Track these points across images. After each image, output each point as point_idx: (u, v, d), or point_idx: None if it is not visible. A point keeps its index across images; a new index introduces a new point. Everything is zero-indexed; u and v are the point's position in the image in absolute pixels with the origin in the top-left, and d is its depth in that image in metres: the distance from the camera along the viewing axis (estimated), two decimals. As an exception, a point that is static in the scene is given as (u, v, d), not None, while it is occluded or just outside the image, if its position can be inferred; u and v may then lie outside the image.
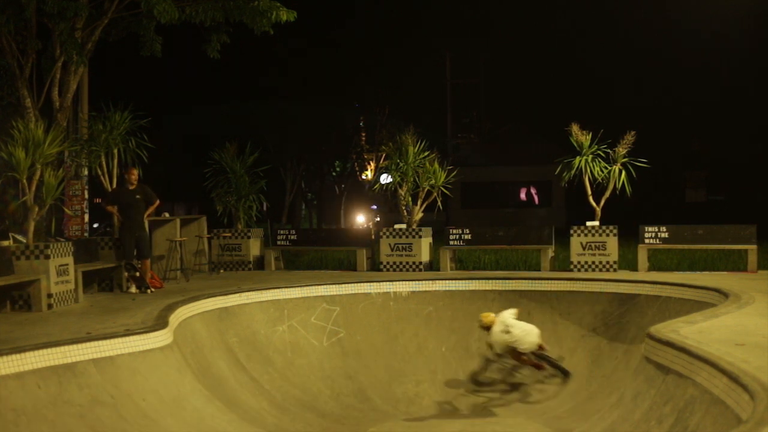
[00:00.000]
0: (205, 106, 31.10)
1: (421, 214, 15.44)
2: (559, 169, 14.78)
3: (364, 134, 36.33)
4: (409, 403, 11.04)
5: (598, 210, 14.37)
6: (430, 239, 15.44)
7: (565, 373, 10.56)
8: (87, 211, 16.09)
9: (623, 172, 14.26)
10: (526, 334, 10.13)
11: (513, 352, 10.22)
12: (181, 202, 36.58)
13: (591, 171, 14.28)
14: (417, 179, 15.31)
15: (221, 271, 15.55)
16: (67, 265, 10.93)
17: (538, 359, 10.45)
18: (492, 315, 10.42)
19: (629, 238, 15.59)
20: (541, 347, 10.33)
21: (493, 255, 16.22)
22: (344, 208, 34.71)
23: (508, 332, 10.05)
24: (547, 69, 38.98)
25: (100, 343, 8.04)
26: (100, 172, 13.56)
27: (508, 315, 10.33)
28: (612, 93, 35.16)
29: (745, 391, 5.66)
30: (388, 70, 33.18)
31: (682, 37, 34.21)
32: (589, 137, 14.39)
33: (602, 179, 14.31)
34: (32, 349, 7.37)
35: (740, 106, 33.87)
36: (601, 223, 14.19)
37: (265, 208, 20.76)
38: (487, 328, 10.32)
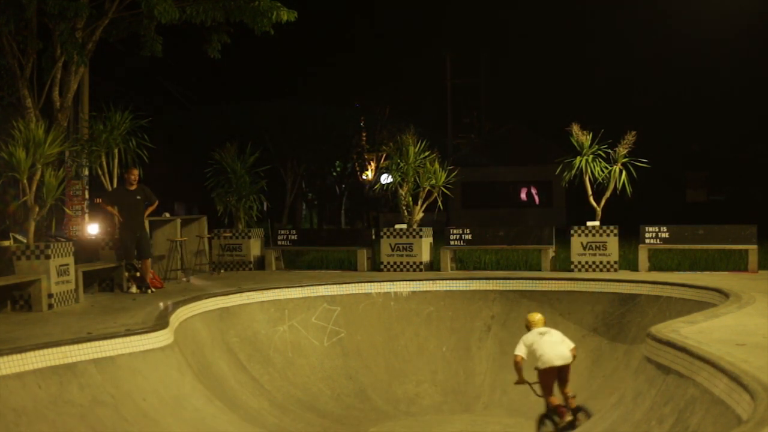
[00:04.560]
0: (205, 106, 31.11)
1: (421, 214, 15.45)
2: (559, 169, 14.79)
3: (364, 134, 36.31)
4: (409, 403, 11.05)
5: (599, 210, 14.37)
6: (430, 239, 15.45)
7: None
8: (87, 211, 16.08)
9: (624, 172, 14.26)
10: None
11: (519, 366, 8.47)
12: (181, 202, 36.56)
13: (591, 171, 14.28)
14: (417, 179, 15.31)
15: (222, 271, 15.55)
16: (67, 265, 10.93)
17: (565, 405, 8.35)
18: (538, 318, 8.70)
19: (630, 238, 15.59)
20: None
21: (493, 255, 16.22)
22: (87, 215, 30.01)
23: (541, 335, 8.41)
24: (547, 69, 38.96)
25: (101, 343, 8.04)
26: (100, 172, 13.57)
27: (558, 332, 8.60)
28: (613, 93, 35.13)
29: (746, 391, 5.66)
30: (388, 70, 33.18)
31: (682, 37, 34.19)
32: (589, 137, 14.39)
33: (603, 179, 14.31)
34: (33, 349, 7.37)
35: (740, 106, 33.85)
36: (602, 223, 14.19)
37: (265, 208, 20.73)
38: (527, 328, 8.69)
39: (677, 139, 36.02)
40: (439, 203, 15.62)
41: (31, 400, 6.98)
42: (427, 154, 15.34)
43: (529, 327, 8.58)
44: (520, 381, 8.39)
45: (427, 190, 15.32)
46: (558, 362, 8.06)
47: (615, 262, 13.97)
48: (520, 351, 8.24)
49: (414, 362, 11.70)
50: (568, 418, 8.21)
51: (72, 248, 11.19)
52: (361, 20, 33.53)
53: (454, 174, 15.49)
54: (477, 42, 39.41)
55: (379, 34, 32.96)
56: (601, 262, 13.97)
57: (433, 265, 15.20)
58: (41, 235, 11.83)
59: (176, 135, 30.22)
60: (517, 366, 8.27)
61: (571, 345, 8.29)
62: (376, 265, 15.44)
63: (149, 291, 12.30)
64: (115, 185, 13.48)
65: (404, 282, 12.84)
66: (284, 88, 31.39)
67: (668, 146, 33.98)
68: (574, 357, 8.21)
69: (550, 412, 8.24)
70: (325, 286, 12.41)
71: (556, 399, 8.24)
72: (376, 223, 32.61)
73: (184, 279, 13.91)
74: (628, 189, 14.22)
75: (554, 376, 8.11)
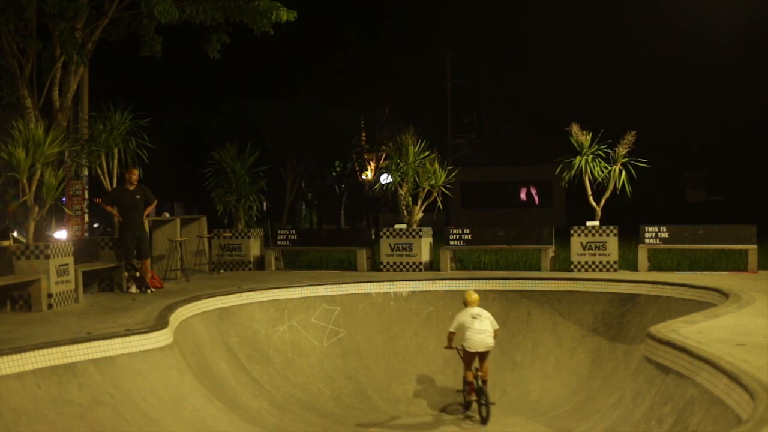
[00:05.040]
0: (206, 106, 31.11)
1: (421, 214, 15.44)
2: (559, 169, 14.79)
3: (364, 134, 36.31)
4: (409, 403, 11.04)
5: (599, 210, 14.37)
6: (430, 239, 15.44)
7: (483, 420, 9.71)
8: (87, 211, 16.09)
9: (623, 172, 14.26)
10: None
11: (451, 340, 9.88)
12: (181, 202, 36.57)
13: (591, 171, 14.28)
14: (417, 179, 15.31)
15: (221, 271, 15.55)
16: (67, 265, 10.92)
17: (474, 381, 9.79)
18: (475, 297, 10.01)
19: (629, 238, 15.59)
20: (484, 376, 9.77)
21: (493, 255, 16.22)
22: None
23: (473, 318, 9.66)
24: (547, 68, 38.99)
25: (100, 343, 8.04)
26: (100, 172, 13.57)
27: (488, 315, 9.87)
28: (612, 93, 35.15)
29: (746, 391, 5.67)
30: (388, 70, 33.19)
31: (682, 37, 34.22)
32: (589, 137, 14.39)
33: (602, 179, 14.31)
34: (32, 349, 7.37)
35: (740, 107, 33.86)
36: (602, 223, 14.19)
37: (265, 208, 20.72)
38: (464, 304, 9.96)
39: (677, 139, 36.03)
40: (439, 203, 15.62)
41: (31, 400, 6.97)
42: (426, 154, 15.33)
43: (465, 303, 9.96)
44: (449, 347, 10.03)
45: (426, 190, 15.32)
46: (481, 349, 9.66)
47: (615, 262, 13.97)
48: (453, 328, 9.84)
49: (414, 362, 11.70)
50: (472, 397, 9.87)
51: (72, 248, 11.19)
52: (361, 20, 33.51)
53: (453, 174, 15.49)
54: (477, 42, 39.44)
55: (380, 34, 32.96)
56: (600, 262, 13.97)
57: (433, 265, 15.20)
58: (41, 235, 11.83)
59: (176, 135, 30.25)
60: (450, 339, 9.92)
61: (496, 327, 9.84)
62: (375, 265, 15.44)
63: (149, 291, 12.30)
64: (114, 185, 13.47)
65: (404, 282, 12.83)
66: (284, 88, 31.38)
67: (668, 146, 33.98)
68: (496, 336, 9.76)
69: (465, 384, 10.03)
70: (325, 286, 12.41)
71: (471, 375, 9.84)
72: (375, 223, 32.61)
73: (184, 279, 13.90)
74: (628, 189, 14.22)
75: (475, 357, 9.72)
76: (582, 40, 37.59)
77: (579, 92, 35.66)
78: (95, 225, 23.59)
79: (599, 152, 14.37)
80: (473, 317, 9.71)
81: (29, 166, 10.80)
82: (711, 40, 32.96)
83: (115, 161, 13.62)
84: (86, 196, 15.97)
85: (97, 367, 7.78)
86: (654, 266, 14.28)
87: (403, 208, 15.42)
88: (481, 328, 9.61)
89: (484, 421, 9.66)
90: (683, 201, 37.09)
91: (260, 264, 16.08)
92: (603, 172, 14.28)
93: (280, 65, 30.89)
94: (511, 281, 12.71)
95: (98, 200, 15.63)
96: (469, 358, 9.74)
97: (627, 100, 34.77)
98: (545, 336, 11.62)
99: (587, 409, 9.66)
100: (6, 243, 11.81)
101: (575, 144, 14.46)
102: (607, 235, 14.06)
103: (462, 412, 10.22)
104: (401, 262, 14.89)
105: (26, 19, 13.32)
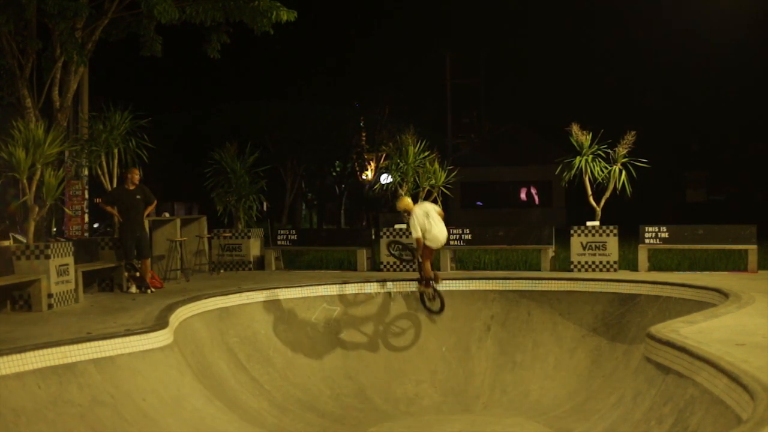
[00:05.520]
0: (206, 106, 31.12)
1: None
2: (559, 169, 14.80)
3: (364, 134, 36.32)
4: (409, 403, 11.04)
5: (599, 210, 14.38)
6: (430, 239, 15.42)
7: (435, 309, 11.74)
8: (87, 211, 16.09)
9: (623, 172, 14.26)
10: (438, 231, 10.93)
11: (421, 245, 11.00)
12: (181, 202, 36.55)
13: (591, 171, 14.29)
14: (417, 179, 15.30)
15: (221, 271, 15.55)
16: (67, 265, 10.93)
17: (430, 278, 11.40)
18: (409, 199, 11.51)
19: (629, 238, 15.60)
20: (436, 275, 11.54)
21: (493, 255, 16.22)
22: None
23: (426, 218, 10.86)
24: (547, 69, 38.96)
25: (100, 343, 8.04)
26: (100, 172, 13.57)
27: (431, 206, 11.17)
28: (612, 93, 35.12)
29: (745, 391, 5.67)
30: (388, 70, 33.20)
31: (682, 36, 34.18)
32: (589, 137, 14.40)
33: (602, 179, 14.32)
34: (32, 349, 7.37)
35: (740, 106, 33.83)
36: (602, 223, 14.19)
37: (265, 208, 20.73)
38: (408, 212, 11.17)
39: (677, 139, 36.00)
40: (439, 203, 15.60)
41: (31, 400, 6.98)
42: (426, 154, 15.33)
43: (408, 210, 11.04)
44: (417, 255, 11.18)
45: (426, 190, 15.32)
46: (444, 243, 11.03)
47: (615, 262, 13.97)
48: (419, 233, 10.78)
49: (413, 362, 11.70)
50: (430, 289, 11.49)
51: (72, 248, 11.19)
52: (361, 20, 33.54)
53: (453, 174, 15.49)
54: (477, 42, 39.43)
55: (380, 34, 32.99)
56: (600, 262, 13.97)
57: (433, 265, 15.15)
58: (41, 235, 11.82)
59: (176, 135, 30.25)
60: (419, 244, 10.89)
61: (440, 210, 11.04)
62: (375, 265, 15.43)
63: (149, 291, 12.30)
64: (114, 185, 13.48)
65: (404, 282, 12.83)
66: (284, 88, 31.39)
67: (668, 146, 33.96)
68: (443, 217, 11.02)
69: (424, 279, 11.38)
70: (325, 286, 12.41)
71: (429, 267, 11.23)
72: (375, 223, 32.61)
73: (184, 279, 13.90)
74: (628, 189, 14.22)
75: (434, 251, 11.23)
76: (582, 40, 37.56)
77: (579, 92, 35.63)
78: (95, 225, 23.59)
79: (599, 152, 14.37)
80: (426, 217, 10.81)
81: (29, 166, 10.81)
82: (711, 41, 32.93)
83: (115, 161, 13.62)
84: (86, 196, 15.98)
85: (97, 367, 7.78)
86: (654, 266, 14.29)
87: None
88: (438, 224, 10.84)
89: (442, 308, 11.70)
90: (683, 201, 37.07)
91: (260, 264, 16.08)
92: (603, 172, 14.29)
93: (280, 65, 30.89)
94: (511, 281, 12.70)
95: (98, 200, 15.63)
96: (429, 252, 11.11)
97: (627, 100, 34.73)
98: (545, 336, 11.62)
99: (587, 409, 9.65)
100: (6, 243, 11.80)
101: (575, 144, 14.47)
102: (607, 235, 14.06)
103: (423, 303, 11.89)
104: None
105: (26, 19, 13.32)
